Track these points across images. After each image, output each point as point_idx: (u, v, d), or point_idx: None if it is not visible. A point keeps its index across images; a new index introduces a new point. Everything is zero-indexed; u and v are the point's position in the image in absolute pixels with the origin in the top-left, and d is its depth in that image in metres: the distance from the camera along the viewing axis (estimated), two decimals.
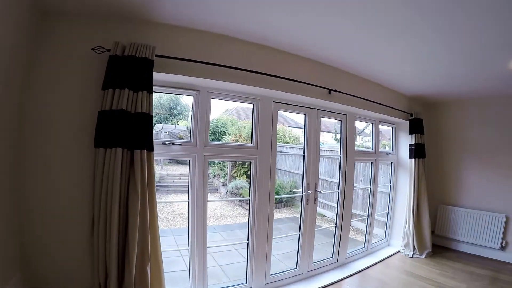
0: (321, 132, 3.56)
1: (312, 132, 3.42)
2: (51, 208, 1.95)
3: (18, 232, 1.86)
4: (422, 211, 4.34)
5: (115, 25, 2.09)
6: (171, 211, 6.98)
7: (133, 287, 1.89)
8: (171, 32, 2.26)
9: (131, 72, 1.95)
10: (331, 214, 6.94)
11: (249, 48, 2.63)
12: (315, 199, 3.45)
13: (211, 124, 2.75)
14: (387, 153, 4.64)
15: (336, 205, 6.54)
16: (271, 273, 3.11)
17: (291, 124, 12.58)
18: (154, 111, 2.09)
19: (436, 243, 4.60)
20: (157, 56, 2.06)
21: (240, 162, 9.31)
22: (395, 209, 4.72)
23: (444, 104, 4.82)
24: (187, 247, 2.65)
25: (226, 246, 4.89)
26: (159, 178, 9.20)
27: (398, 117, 4.26)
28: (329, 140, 10.92)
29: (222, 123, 10.07)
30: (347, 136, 3.80)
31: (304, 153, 3.44)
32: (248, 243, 2.99)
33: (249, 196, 3.00)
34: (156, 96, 2.18)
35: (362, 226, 5.84)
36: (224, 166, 10.05)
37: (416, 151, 4.33)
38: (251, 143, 2.99)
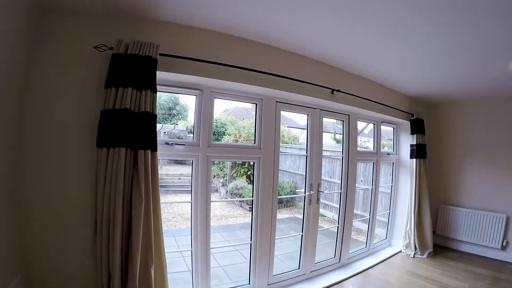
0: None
1: (315, 132, 3.41)
2: (51, 209, 1.91)
3: (18, 233, 1.83)
4: (423, 211, 4.33)
5: (118, 23, 2.06)
6: (171, 212, 6.95)
7: None
8: (175, 30, 2.23)
9: (135, 71, 1.92)
10: (331, 214, 6.94)
11: (253, 48, 2.60)
12: (318, 199, 3.44)
13: None
14: (388, 153, 4.64)
15: (335, 205, 6.57)
16: (273, 273, 3.09)
17: (289, 124, 12.60)
18: None
19: (437, 243, 4.60)
20: (160, 54, 2.03)
21: (240, 162, 9.29)
22: (396, 209, 4.71)
23: (445, 104, 4.82)
24: (190, 248, 2.62)
25: (227, 247, 4.86)
26: (159, 178, 9.13)
27: (399, 117, 4.25)
28: (328, 140, 10.94)
29: (221, 123, 10.04)
30: (349, 136, 3.79)
31: (306, 153, 3.42)
32: (251, 244, 2.96)
33: (252, 197, 2.98)
34: None
35: (362, 226, 5.84)
36: (224, 167, 10.02)
37: (418, 151, 4.32)
38: (254, 143, 2.97)
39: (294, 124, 12.61)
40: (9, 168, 1.74)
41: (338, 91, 3.17)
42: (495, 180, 4.28)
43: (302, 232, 3.39)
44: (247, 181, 9.04)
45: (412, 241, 4.23)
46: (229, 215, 7.47)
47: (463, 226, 4.44)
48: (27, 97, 1.84)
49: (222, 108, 12.58)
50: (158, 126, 2.16)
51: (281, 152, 3.05)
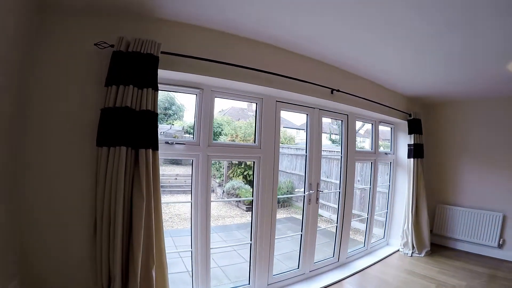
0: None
1: (314, 132, 3.41)
2: (51, 209, 1.88)
3: (17, 234, 1.79)
4: (421, 210, 4.37)
5: (119, 20, 2.03)
6: (167, 212, 6.90)
7: None
8: (176, 29, 2.21)
9: (136, 69, 1.90)
10: (328, 214, 6.95)
11: (255, 47, 2.60)
12: (317, 199, 3.44)
13: None
14: (386, 153, 4.66)
15: (332, 205, 6.59)
16: (273, 273, 3.08)
17: (285, 124, 12.59)
18: None
19: (435, 242, 4.63)
20: (162, 53, 2.01)
21: (237, 162, 9.27)
22: (393, 209, 4.73)
23: (443, 104, 4.87)
24: (190, 248, 2.60)
25: (225, 247, 4.84)
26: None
27: (397, 117, 4.27)
28: (324, 141, 10.96)
29: (218, 123, 10.01)
30: (348, 136, 3.80)
31: (306, 152, 3.42)
32: (251, 244, 2.95)
33: (252, 196, 2.97)
34: None
35: (359, 225, 5.86)
36: (220, 167, 9.99)
37: (415, 151, 4.35)
38: (254, 142, 2.96)
39: (290, 124, 12.61)
40: (8, 168, 1.71)
41: (338, 90, 3.17)
42: (491, 179, 4.32)
43: (302, 231, 3.38)
44: (243, 181, 9.02)
45: (409, 240, 4.26)
46: (226, 215, 7.44)
47: (460, 225, 4.48)
48: (27, 96, 1.81)
49: (218, 108, 12.55)
50: None
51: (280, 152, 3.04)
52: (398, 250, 4.40)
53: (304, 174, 3.47)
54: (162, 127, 10.33)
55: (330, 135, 11.25)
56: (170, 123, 11.19)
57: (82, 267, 1.95)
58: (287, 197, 8.54)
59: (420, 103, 4.87)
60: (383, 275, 3.55)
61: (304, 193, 3.38)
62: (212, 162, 2.66)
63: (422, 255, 4.18)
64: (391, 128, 4.77)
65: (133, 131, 1.88)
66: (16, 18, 1.62)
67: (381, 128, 4.57)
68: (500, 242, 4.11)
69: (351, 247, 4.10)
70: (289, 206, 8.56)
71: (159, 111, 2.04)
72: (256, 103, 2.95)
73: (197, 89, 2.54)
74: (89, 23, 1.96)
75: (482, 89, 3.88)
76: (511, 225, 4.09)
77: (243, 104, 13.35)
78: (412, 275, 3.53)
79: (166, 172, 10.00)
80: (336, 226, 3.80)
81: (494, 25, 2.06)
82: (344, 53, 2.86)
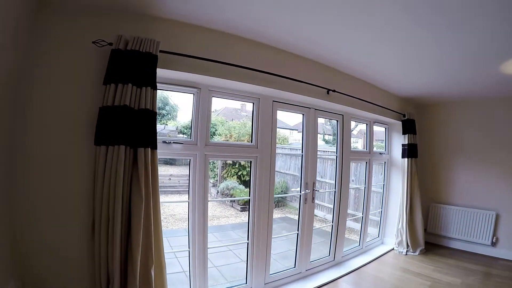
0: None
1: (310, 132, 3.43)
2: (50, 209, 1.85)
3: (13, 235, 1.76)
4: (415, 209, 4.42)
5: (117, 19, 2.01)
6: (162, 212, 6.85)
7: None
8: (175, 28, 2.20)
9: (135, 67, 1.88)
10: (322, 214, 6.98)
11: (254, 47, 2.61)
12: (313, 198, 3.46)
13: None
14: (380, 153, 4.71)
15: (327, 205, 6.62)
16: (270, 273, 3.09)
17: (279, 125, 12.57)
18: None
19: (429, 240, 4.70)
20: (160, 51, 2.00)
21: (231, 162, 9.26)
22: (388, 208, 4.79)
23: (436, 105, 4.94)
24: (188, 248, 2.60)
25: (221, 247, 4.84)
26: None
27: (391, 117, 4.32)
28: (318, 141, 11.00)
29: (211, 123, 9.98)
30: (343, 136, 3.83)
31: (302, 152, 3.44)
32: (248, 243, 2.95)
33: (249, 196, 2.97)
34: None
35: (354, 225, 5.91)
36: (214, 167, 9.96)
37: (409, 151, 4.41)
38: (251, 142, 2.97)
39: (283, 125, 12.66)
40: (6, 168, 1.68)
41: (334, 91, 3.20)
42: (484, 178, 4.41)
43: (298, 230, 3.40)
44: (238, 182, 9.02)
45: (404, 239, 4.31)
46: (220, 216, 7.43)
47: (454, 224, 4.55)
48: (26, 95, 1.78)
49: (211, 108, 12.50)
50: None
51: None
52: (393, 249, 4.45)
53: (300, 174, 3.49)
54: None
55: (324, 136, 11.33)
56: (164, 123, 11.12)
57: (81, 267, 1.92)
58: (282, 197, 8.57)
59: (414, 103, 4.94)
60: (378, 273, 3.59)
61: (300, 192, 3.40)
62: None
63: (417, 253, 4.23)
64: (385, 128, 4.83)
65: (131, 130, 1.87)
66: (15, 17, 1.59)
67: (376, 128, 4.62)
68: (494, 240, 4.18)
69: (346, 246, 4.13)
70: (284, 206, 8.58)
71: None
72: (253, 103, 2.96)
73: (194, 89, 2.54)
74: (88, 21, 1.93)
75: (475, 90, 3.95)
76: (504, 223, 4.17)
77: (236, 104, 13.36)
78: (407, 273, 3.57)
79: (160, 172, 9.91)
80: (332, 225, 3.82)
81: (486, 26, 2.10)
82: (342, 53, 2.88)
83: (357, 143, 10.14)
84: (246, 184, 8.86)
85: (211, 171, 10.16)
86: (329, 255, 3.77)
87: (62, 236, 1.88)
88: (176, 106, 12.55)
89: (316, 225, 6.28)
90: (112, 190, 1.81)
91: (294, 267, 3.36)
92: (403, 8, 1.93)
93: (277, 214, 7.86)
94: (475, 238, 4.33)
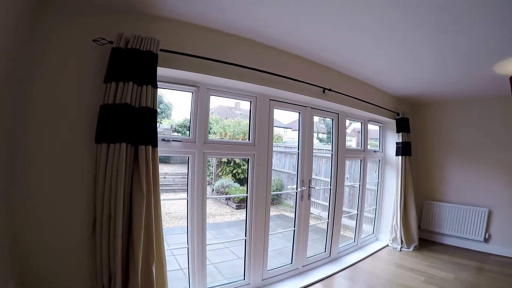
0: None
1: (306, 130, 3.48)
2: (50, 208, 1.85)
3: (14, 234, 1.75)
4: (409, 206, 4.50)
5: (117, 18, 2.02)
6: None
7: (139, 287, 1.85)
8: (175, 27, 2.22)
9: (135, 65, 1.90)
10: (317, 211, 7.05)
11: (253, 47, 2.65)
12: (309, 195, 3.51)
13: None
14: (375, 151, 4.78)
15: (322, 202, 6.68)
16: (267, 269, 3.13)
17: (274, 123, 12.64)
18: None
19: (423, 237, 4.79)
20: (161, 50, 2.02)
21: (226, 160, 9.28)
22: (382, 205, 4.86)
23: (430, 104, 5.04)
24: (186, 245, 2.62)
25: (218, 244, 4.86)
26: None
27: (386, 116, 4.39)
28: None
29: None
30: (339, 134, 3.88)
31: (298, 150, 3.48)
32: (245, 240, 2.99)
33: (246, 193, 3.00)
34: None
35: (348, 222, 5.98)
36: (209, 165, 9.98)
37: (403, 149, 4.48)
38: (249, 140, 3.00)
39: (277, 123, 12.68)
40: (6, 168, 1.68)
41: (330, 90, 3.25)
42: (477, 176, 4.51)
43: (295, 227, 3.45)
44: (233, 180, 9.05)
45: (398, 235, 4.38)
46: (216, 213, 7.46)
47: (447, 221, 4.65)
48: (26, 94, 1.77)
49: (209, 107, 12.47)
50: None
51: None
52: (387, 245, 4.53)
53: (296, 171, 3.54)
54: None
55: (318, 134, 11.41)
56: (158, 121, 11.02)
57: (82, 266, 1.93)
58: (277, 195, 8.63)
59: (408, 102, 5.02)
60: (373, 269, 3.66)
61: (297, 189, 3.44)
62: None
63: (411, 249, 4.32)
64: (379, 126, 4.90)
65: (132, 128, 1.88)
66: (15, 15, 1.59)
67: (370, 127, 4.68)
68: (486, 237, 4.28)
69: (342, 243, 4.20)
70: (279, 203, 8.65)
71: None
72: (251, 102, 2.99)
73: (193, 87, 2.56)
74: (88, 20, 1.94)
75: (468, 90, 4.03)
76: (496, 220, 4.27)
77: (230, 103, 13.36)
78: (401, 269, 3.65)
79: None
80: (328, 222, 3.88)
81: (479, 27, 2.15)
82: (341, 53, 2.92)
83: (351, 142, 10.25)
84: (241, 182, 8.89)
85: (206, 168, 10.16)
86: (325, 251, 3.82)
87: (63, 235, 1.88)
88: (170, 104, 12.49)
89: (312, 222, 6.36)
90: (114, 187, 1.82)
91: (291, 263, 3.40)
92: (400, 9, 1.98)
93: (272, 211, 7.87)
94: (468, 234, 4.43)
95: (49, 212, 1.85)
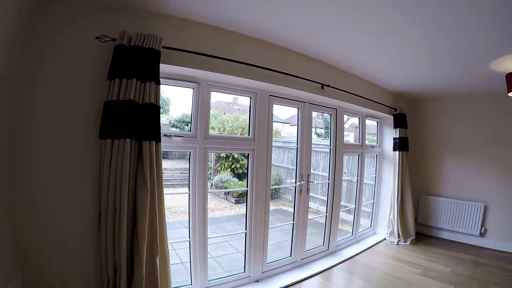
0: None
1: (305, 125, 3.52)
2: (49, 206, 1.87)
3: (16, 231, 1.77)
4: (406, 200, 4.58)
5: (120, 15, 2.04)
6: None
7: (143, 279, 1.89)
8: (176, 24, 2.24)
9: (138, 63, 1.92)
10: (315, 206, 7.13)
11: (251, 44, 2.66)
12: (308, 189, 3.56)
13: None
14: (372, 146, 4.84)
15: (320, 197, 6.74)
16: (267, 261, 3.19)
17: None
18: None
19: (419, 231, 4.87)
20: (163, 47, 2.04)
21: (224, 155, 9.33)
22: (379, 199, 4.94)
23: (427, 100, 5.09)
24: (188, 239, 2.67)
25: (218, 238, 4.92)
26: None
27: (383, 112, 4.44)
28: None
29: None
30: (337, 129, 3.93)
31: (297, 145, 3.53)
32: (246, 233, 3.05)
33: (246, 187, 3.05)
34: None
35: (346, 216, 6.06)
36: (208, 160, 10.01)
37: (400, 144, 4.54)
38: (249, 135, 3.04)
39: (275, 118, 12.68)
40: (6, 163, 1.69)
41: (328, 86, 3.28)
42: (473, 171, 4.58)
43: (294, 220, 3.51)
44: (231, 174, 9.10)
45: (395, 229, 4.46)
46: (215, 208, 7.53)
47: (443, 215, 4.74)
48: (28, 91, 1.79)
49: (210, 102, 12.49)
50: None
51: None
52: (385, 239, 4.61)
53: (295, 166, 3.59)
54: None
55: (315, 129, 11.46)
56: None
57: (85, 263, 1.95)
58: (276, 189, 8.71)
59: (405, 98, 5.08)
60: (371, 262, 3.73)
61: (296, 183, 3.49)
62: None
63: (408, 243, 4.40)
64: (377, 122, 4.95)
65: (136, 124, 1.91)
66: (17, 12, 1.60)
67: (368, 122, 4.73)
68: (482, 231, 4.36)
69: (340, 236, 4.27)
70: (277, 198, 8.72)
71: None
72: (250, 97, 3.02)
73: (194, 83, 2.59)
74: (91, 18, 1.96)
75: (465, 86, 4.08)
76: (492, 215, 4.35)
77: (228, 98, 13.35)
78: (398, 262, 3.73)
79: None
80: (326, 216, 3.94)
81: (476, 25, 2.18)
82: (334, 49, 2.95)
83: (349, 137, 10.31)
84: (240, 177, 8.95)
85: None
86: (323, 244, 3.89)
87: (66, 231, 1.91)
88: (168, 100, 12.50)
89: (310, 216, 6.44)
90: (119, 181, 1.85)
91: (290, 256, 3.47)
92: (399, 8, 2.01)
93: (271, 206, 7.92)
94: (464, 228, 4.51)
95: (51, 209, 1.87)
